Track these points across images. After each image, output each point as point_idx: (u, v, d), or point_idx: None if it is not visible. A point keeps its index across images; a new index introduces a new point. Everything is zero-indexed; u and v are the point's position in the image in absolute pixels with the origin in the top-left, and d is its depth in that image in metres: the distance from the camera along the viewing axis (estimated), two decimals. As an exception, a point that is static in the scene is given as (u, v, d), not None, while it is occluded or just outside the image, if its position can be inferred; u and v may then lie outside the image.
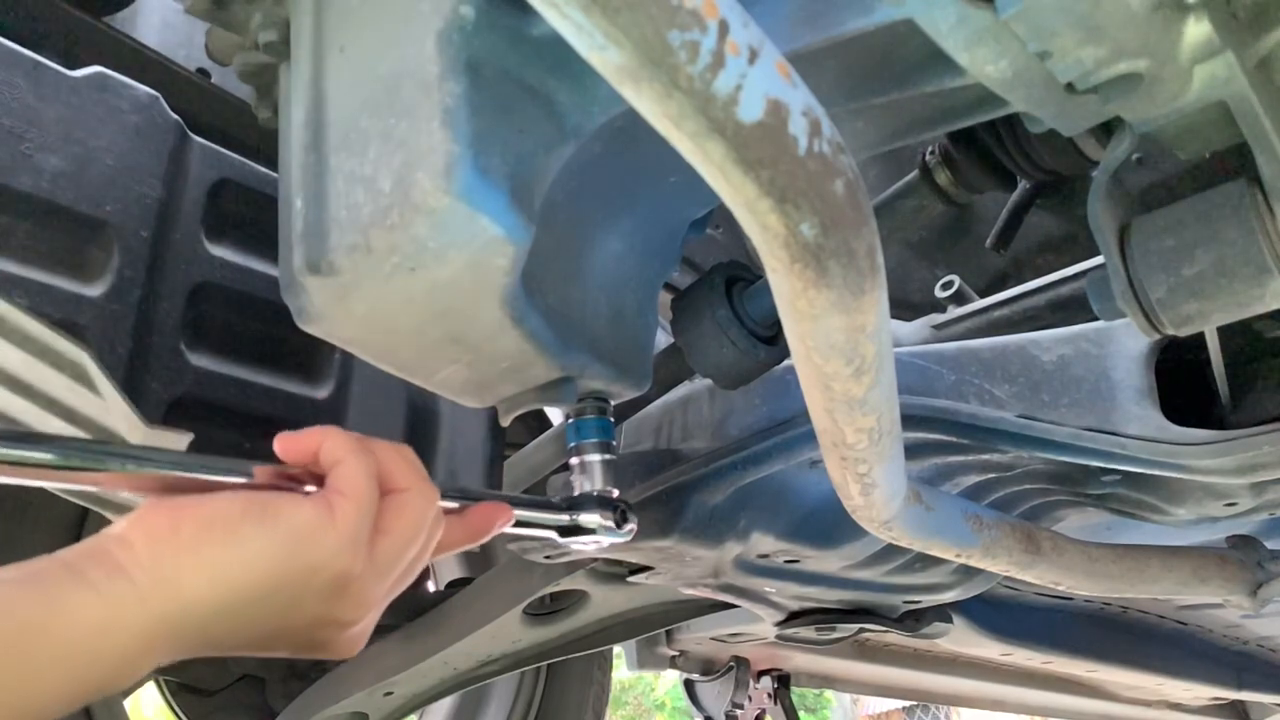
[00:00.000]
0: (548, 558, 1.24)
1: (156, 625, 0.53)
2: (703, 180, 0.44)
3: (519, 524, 0.81)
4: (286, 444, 0.66)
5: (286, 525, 0.59)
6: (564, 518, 0.84)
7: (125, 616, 0.52)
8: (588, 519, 0.84)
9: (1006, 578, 1.26)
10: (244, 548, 0.57)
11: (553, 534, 0.84)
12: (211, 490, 0.61)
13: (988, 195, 1.17)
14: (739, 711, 2.35)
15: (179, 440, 0.89)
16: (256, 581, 0.57)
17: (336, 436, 0.65)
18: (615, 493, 0.87)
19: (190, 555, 0.55)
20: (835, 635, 1.59)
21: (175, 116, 1.13)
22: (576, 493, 0.86)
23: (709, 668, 2.42)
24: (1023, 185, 1.25)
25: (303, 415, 1.22)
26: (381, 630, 1.72)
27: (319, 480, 0.65)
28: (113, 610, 0.52)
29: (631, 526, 0.86)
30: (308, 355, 1.25)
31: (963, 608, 1.75)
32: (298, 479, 0.66)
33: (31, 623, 0.49)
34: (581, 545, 0.86)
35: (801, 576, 1.34)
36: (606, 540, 0.86)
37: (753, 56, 0.40)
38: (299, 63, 0.75)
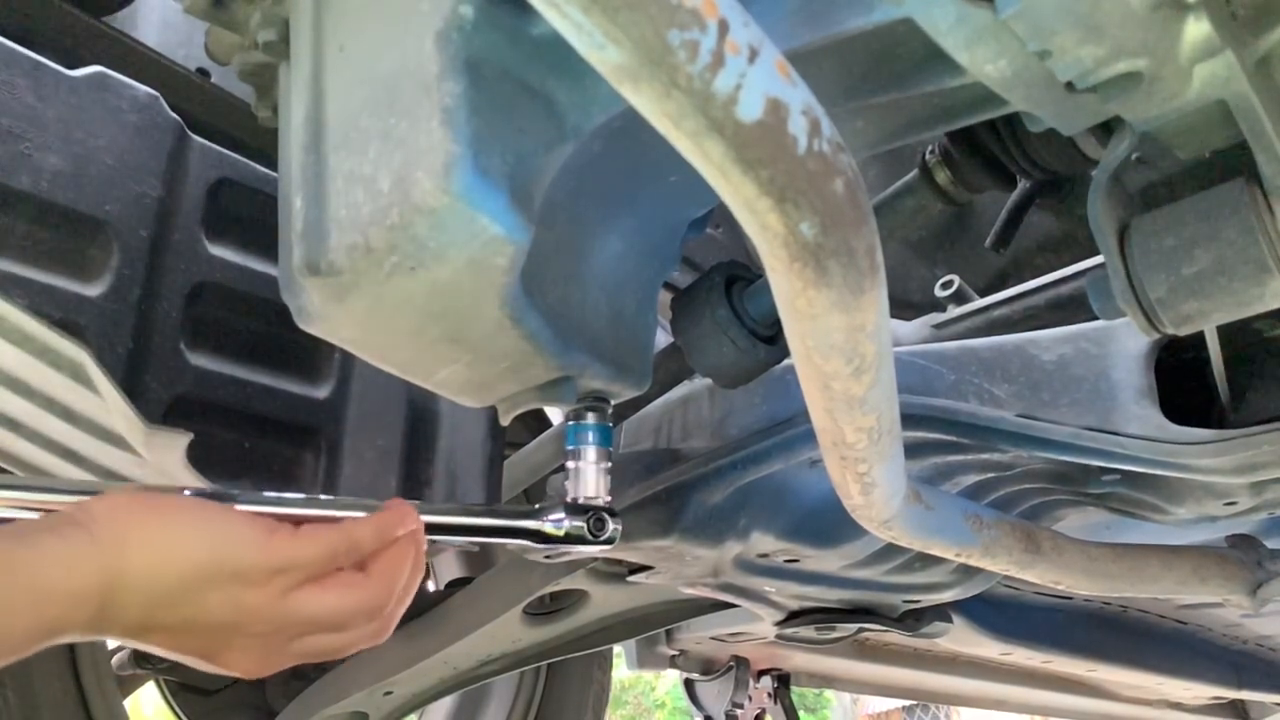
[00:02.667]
0: (547, 557, 1.24)
1: (101, 577, 0.60)
2: (702, 179, 0.44)
3: (488, 533, 0.81)
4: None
5: (219, 529, 0.66)
6: (532, 525, 0.83)
7: (79, 560, 0.59)
8: (560, 528, 0.82)
9: (1006, 577, 1.27)
10: (183, 533, 0.64)
11: (528, 543, 0.83)
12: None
13: (987, 195, 1.17)
14: (739, 711, 2.35)
15: (178, 440, 0.89)
16: (186, 565, 0.64)
17: (377, 520, 0.73)
18: (605, 499, 0.85)
19: (139, 528, 0.63)
20: (835, 635, 1.59)
21: (175, 116, 1.13)
22: (569, 498, 0.85)
23: (709, 667, 2.42)
24: (1022, 185, 1.25)
25: (302, 415, 1.22)
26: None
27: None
28: (71, 551, 0.59)
29: (610, 535, 0.84)
30: (308, 355, 1.25)
31: (962, 607, 1.75)
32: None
33: (2, 552, 0.56)
34: (567, 552, 0.85)
35: (801, 576, 1.34)
36: (580, 550, 0.85)
37: (752, 56, 0.40)
38: (298, 62, 0.75)
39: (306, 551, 0.68)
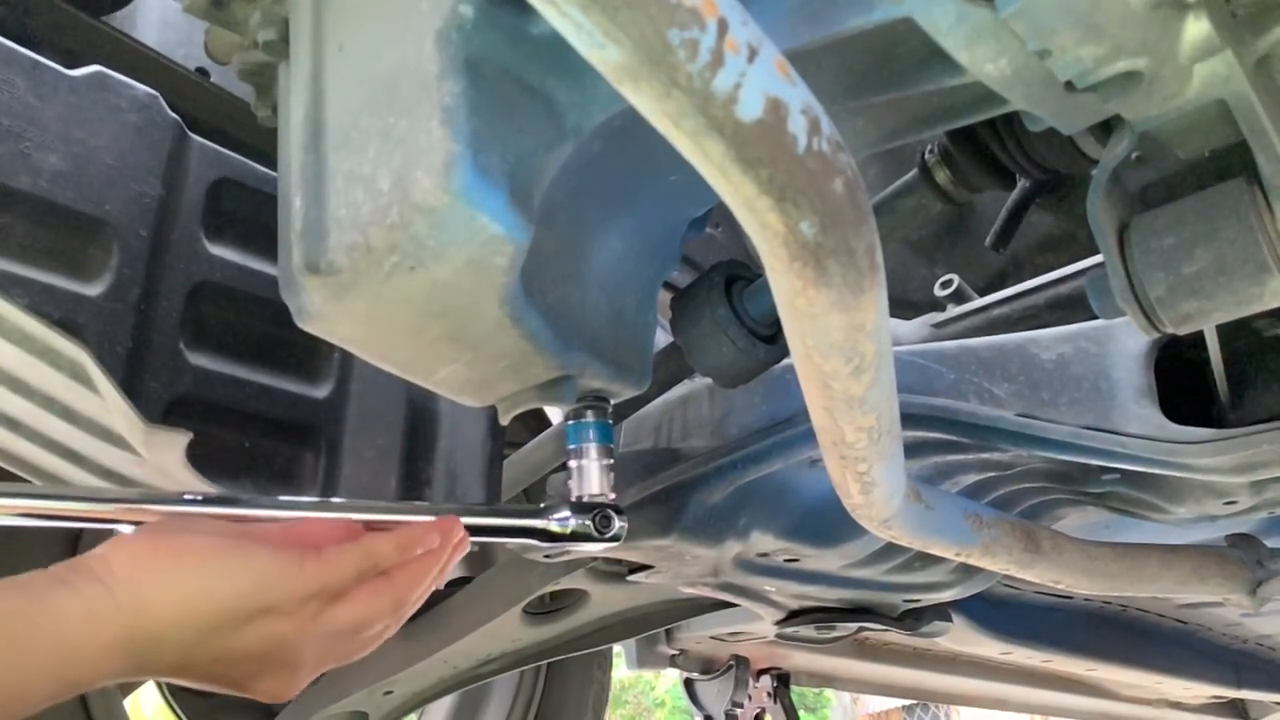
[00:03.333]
0: (547, 557, 1.24)
1: (127, 633, 0.59)
2: (702, 179, 0.44)
3: (494, 533, 0.82)
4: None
5: (251, 566, 0.65)
6: (539, 524, 0.83)
7: (101, 620, 0.58)
8: (566, 526, 0.83)
9: (1006, 576, 1.27)
10: (209, 580, 0.63)
11: (533, 542, 0.83)
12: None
13: (987, 194, 1.17)
14: (739, 710, 2.35)
15: (178, 439, 0.89)
16: (211, 609, 0.63)
17: (384, 541, 0.72)
18: (610, 496, 0.86)
19: (161, 580, 0.62)
20: (835, 634, 1.59)
21: (174, 116, 1.13)
22: (573, 496, 0.85)
23: (709, 666, 2.42)
24: (1022, 184, 1.25)
25: (302, 414, 1.22)
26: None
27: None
28: (91, 610, 0.58)
29: (616, 532, 0.84)
30: (307, 354, 1.25)
31: (962, 606, 1.75)
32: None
33: (21, 616, 0.55)
34: (568, 551, 0.86)
35: (801, 575, 1.34)
36: (586, 548, 0.85)
37: (752, 55, 0.39)
38: (298, 61, 0.75)
39: (336, 574, 0.68)
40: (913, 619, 1.54)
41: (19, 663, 0.54)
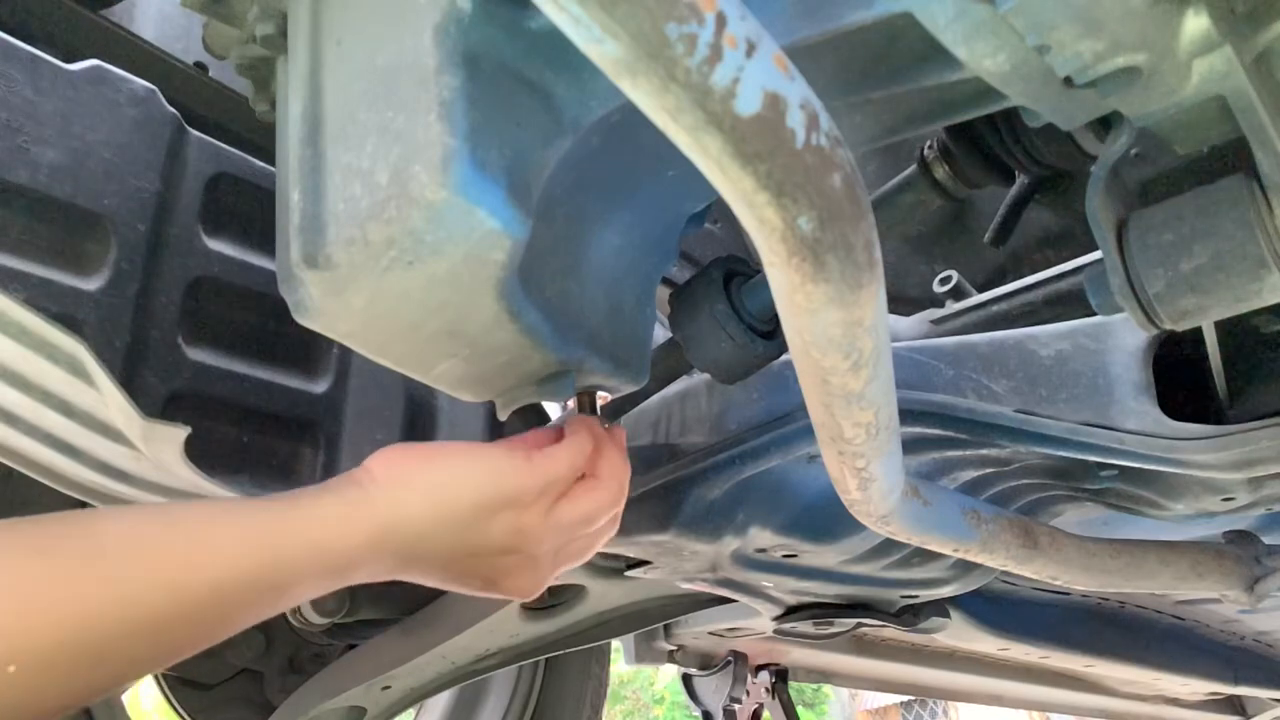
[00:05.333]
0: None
1: (382, 529, 0.66)
2: (701, 174, 0.44)
3: None
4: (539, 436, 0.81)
5: (490, 462, 0.72)
6: None
7: (357, 518, 0.66)
8: None
9: (1004, 572, 1.27)
10: (455, 475, 0.71)
11: None
12: None
13: (986, 190, 1.17)
14: (737, 706, 2.35)
15: (176, 434, 0.89)
16: (461, 503, 0.70)
17: (579, 425, 0.79)
18: None
19: (414, 480, 0.69)
20: (833, 630, 1.60)
21: (172, 110, 1.13)
22: None
23: (707, 662, 2.42)
24: (1021, 180, 1.25)
25: (300, 409, 1.22)
26: (379, 624, 1.72)
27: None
28: (348, 510, 0.65)
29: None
30: (305, 349, 1.25)
31: (960, 603, 1.75)
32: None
33: (281, 516, 0.63)
34: None
35: (799, 571, 1.34)
36: None
37: (750, 49, 0.39)
38: (296, 56, 0.75)
39: (560, 467, 0.75)
40: (911, 615, 1.54)
41: (277, 557, 0.60)
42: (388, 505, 0.67)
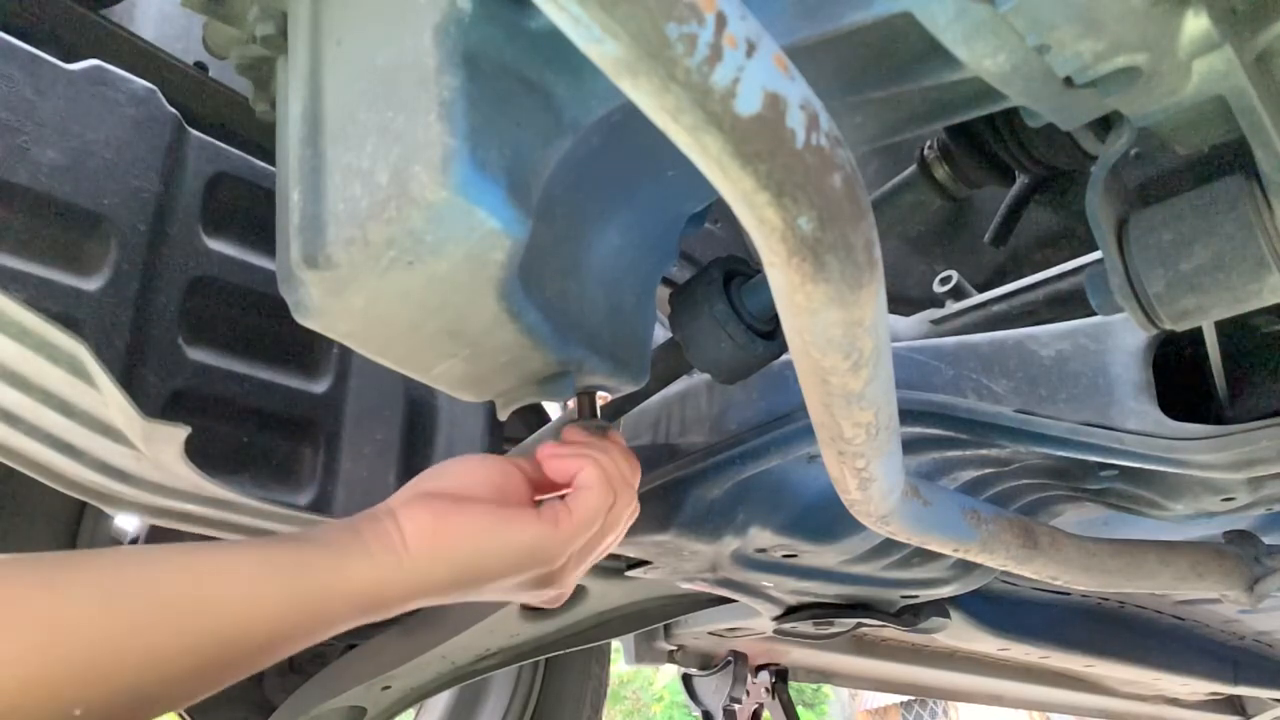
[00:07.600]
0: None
1: (414, 593, 0.71)
2: (701, 174, 0.44)
3: None
4: (552, 464, 0.81)
5: (519, 544, 0.74)
6: None
7: (393, 581, 0.70)
8: None
9: (1004, 572, 1.27)
10: (483, 557, 0.73)
11: None
12: None
13: (986, 190, 1.17)
14: (737, 706, 2.35)
15: (176, 434, 0.89)
16: (490, 574, 0.74)
17: (591, 469, 0.79)
18: None
19: (443, 553, 0.72)
20: (833, 630, 1.60)
21: (172, 110, 1.13)
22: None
23: (707, 662, 2.42)
24: (1021, 180, 1.25)
25: (300, 409, 1.22)
26: (379, 625, 1.72)
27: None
28: (382, 575, 0.69)
29: None
30: (305, 349, 1.25)
31: (960, 603, 1.75)
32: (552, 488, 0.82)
33: (324, 570, 0.67)
34: None
35: (799, 571, 1.34)
36: None
37: (750, 49, 0.39)
38: (296, 56, 0.75)
39: (588, 528, 0.77)
40: (911, 615, 1.54)
41: (320, 610, 0.66)
42: (420, 577, 0.71)
